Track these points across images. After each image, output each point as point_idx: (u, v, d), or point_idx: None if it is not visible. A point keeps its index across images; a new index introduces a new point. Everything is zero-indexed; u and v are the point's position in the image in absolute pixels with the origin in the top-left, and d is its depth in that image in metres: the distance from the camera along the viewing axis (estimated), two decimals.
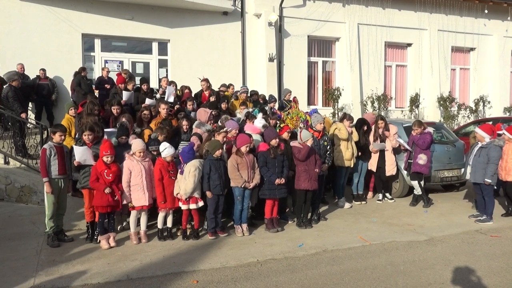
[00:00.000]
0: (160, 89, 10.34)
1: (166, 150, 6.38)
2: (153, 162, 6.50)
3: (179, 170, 6.41)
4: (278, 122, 8.63)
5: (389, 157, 8.74)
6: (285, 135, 7.53)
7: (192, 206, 6.40)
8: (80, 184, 6.43)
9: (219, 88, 11.20)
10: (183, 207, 6.40)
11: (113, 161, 6.15)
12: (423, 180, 8.69)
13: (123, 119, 7.33)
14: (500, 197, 8.85)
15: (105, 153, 6.02)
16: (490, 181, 7.22)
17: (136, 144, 6.31)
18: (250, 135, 6.94)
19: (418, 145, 8.35)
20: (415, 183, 8.63)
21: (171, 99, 9.46)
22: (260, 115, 7.85)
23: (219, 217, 6.65)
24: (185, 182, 6.27)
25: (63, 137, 6.32)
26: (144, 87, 9.86)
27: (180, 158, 6.48)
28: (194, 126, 7.63)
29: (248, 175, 6.61)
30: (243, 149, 6.59)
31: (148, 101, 8.89)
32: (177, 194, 6.37)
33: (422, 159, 8.29)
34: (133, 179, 6.22)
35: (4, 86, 10.36)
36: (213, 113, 8.17)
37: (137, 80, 11.16)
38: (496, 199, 8.71)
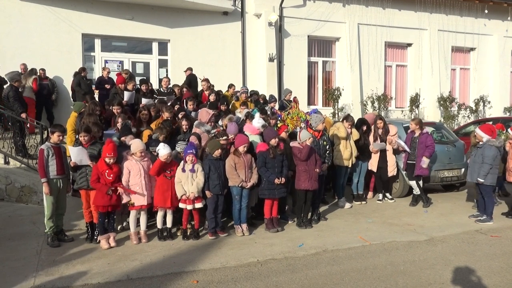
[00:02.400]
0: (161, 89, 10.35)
1: (159, 150, 6.38)
2: (153, 162, 6.49)
3: (189, 169, 6.35)
4: (278, 122, 8.62)
5: (390, 158, 8.74)
6: (283, 135, 7.54)
7: (198, 205, 6.40)
8: (77, 185, 6.41)
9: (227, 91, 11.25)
10: (189, 207, 6.39)
11: (114, 162, 6.15)
12: (422, 180, 8.69)
13: (119, 119, 7.32)
14: (502, 197, 8.89)
15: (108, 155, 6.01)
16: (482, 180, 7.23)
17: (136, 144, 6.31)
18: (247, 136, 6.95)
19: (426, 155, 8.26)
20: (413, 183, 8.64)
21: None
22: (257, 115, 7.83)
23: (219, 217, 6.65)
24: (196, 180, 6.30)
25: (61, 137, 6.31)
26: (144, 87, 9.85)
27: (191, 156, 6.44)
28: (194, 126, 7.63)
29: (245, 175, 6.62)
30: (241, 149, 6.60)
31: (144, 101, 8.88)
32: (181, 196, 6.34)
33: (425, 162, 8.28)
34: (132, 178, 6.22)
35: (5, 86, 10.37)
36: (214, 113, 8.19)
37: (138, 80, 11.18)
38: (503, 199, 8.74)
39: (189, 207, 6.39)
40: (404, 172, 8.91)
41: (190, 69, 12.40)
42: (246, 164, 6.63)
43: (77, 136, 7.27)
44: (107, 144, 6.15)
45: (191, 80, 11.93)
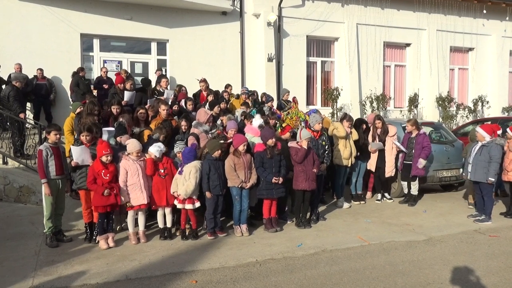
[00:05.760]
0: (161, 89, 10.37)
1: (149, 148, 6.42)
2: None
3: (178, 170, 6.41)
4: (277, 122, 8.62)
5: (389, 159, 8.74)
6: (287, 135, 7.54)
7: (188, 206, 6.40)
8: (76, 185, 6.40)
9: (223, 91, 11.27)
10: (179, 206, 6.41)
11: (111, 161, 6.15)
12: (419, 181, 8.69)
13: (121, 119, 7.32)
14: (500, 197, 8.90)
15: (105, 152, 6.01)
16: (493, 179, 7.21)
17: (133, 145, 6.31)
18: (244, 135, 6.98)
19: (422, 157, 8.29)
20: (404, 184, 8.75)
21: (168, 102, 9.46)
22: (257, 116, 7.84)
23: (218, 217, 6.66)
24: (187, 183, 6.28)
25: (58, 136, 6.30)
26: (164, 83, 10.10)
27: (182, 158, 6.47)
28: (192, 126, 7.63)
29: (245, 175, 6.62)
30: (241, 148, 6.60)
31: (150, 102, 8.91)
32: (173, 193, 6.38)
33: (421, 164, 8.30)
34: (130, 178, 6.22)
35: (4, 86, 10.37)
36: (213, 113, 8.18)
37: (137, 80, 11.20)
38: (501, 199, 8.75)
39: (179, 206, 6.41)
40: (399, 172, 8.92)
41: (160, 69, 12.65)
42: (245, 165, 6.63)
43: (75, 136, 7.29)
44: (100, 143, 6.15)
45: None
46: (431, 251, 5.95)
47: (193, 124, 7.65)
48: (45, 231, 6.26)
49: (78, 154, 6.25)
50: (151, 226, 7.03)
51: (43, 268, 5.30)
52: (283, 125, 8.43)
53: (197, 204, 6.46)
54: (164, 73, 12.82)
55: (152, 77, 13.57)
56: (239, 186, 6.58)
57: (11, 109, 9.32)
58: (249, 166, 6.70)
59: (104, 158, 6.03)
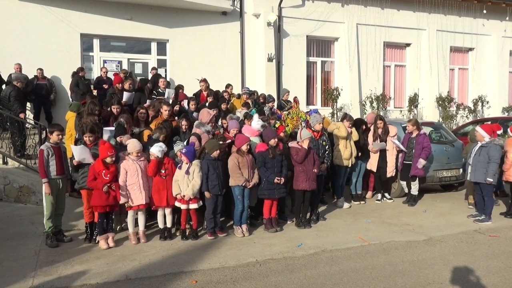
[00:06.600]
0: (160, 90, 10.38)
1: (151, 149, 6.42)
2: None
3: (185, 170, 6.39)
4: (277, 122, 8.62)
5: (390, 159, 8.74)
6: (280, 135, 7.54)
7: (193, 206, 6.41)
8: (79, 185, 6.41)
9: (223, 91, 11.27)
10: (183, 206, 6.41)
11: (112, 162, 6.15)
12: (418, 181, 8.69)
13: (121, 119, 7.32)
14: (500, 197, 8.90)
15: (110, 154, 6.00)
16: (491, 180, 7.20)
17: (133, 144, 6.31)
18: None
19: (422, 157, 8.30)
20: (404, 183, 8.74)
21: (169, 101, 9.47)
22: (256, 116, 7.85)
23: (218, 217, 6.66)
24: (192, 183, 6.30)
25: (60, 136, 6.31)
26: (162, 83, 10.12)
27: (184, 157, 6.46)
28: (194, 126, 7.63)
29: (248, 174, 6.63)
30: (244, 147, 6.61)
31: (149, 102, 8.91)
32: (176, 195, 6.37)
33: (421, 164, 8.31)
34: (129, 178, 6.23)
35: (4, 86, 10.37)
36: (215, 114, 8.19)
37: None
38: (501, 199, 8.75)
39: (183, 206, 6.40)
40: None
41: (155, 68, 12.72)
42: (249, 164, 6.64)
43: (76, 136, 7.29)
44: (103, 144, 6.14)
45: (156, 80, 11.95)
46: (431, 251, 5.95)
47: (195, 124, 7.64)
48: (45, 231, 6.26)
49: (79, 153, 6.26)
50: (151, 226, 7.04)
51: (43, 268, 5.30)
52: (276, 125, 8.42)
53: (201, 203, 6.48)
54: (159, 72, 12.79)
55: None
56: (242, 185, 6.58)
57: (11, 109, 9.32)
58: (252, 165, 6.72)
59: (108, 160, 6.03)
